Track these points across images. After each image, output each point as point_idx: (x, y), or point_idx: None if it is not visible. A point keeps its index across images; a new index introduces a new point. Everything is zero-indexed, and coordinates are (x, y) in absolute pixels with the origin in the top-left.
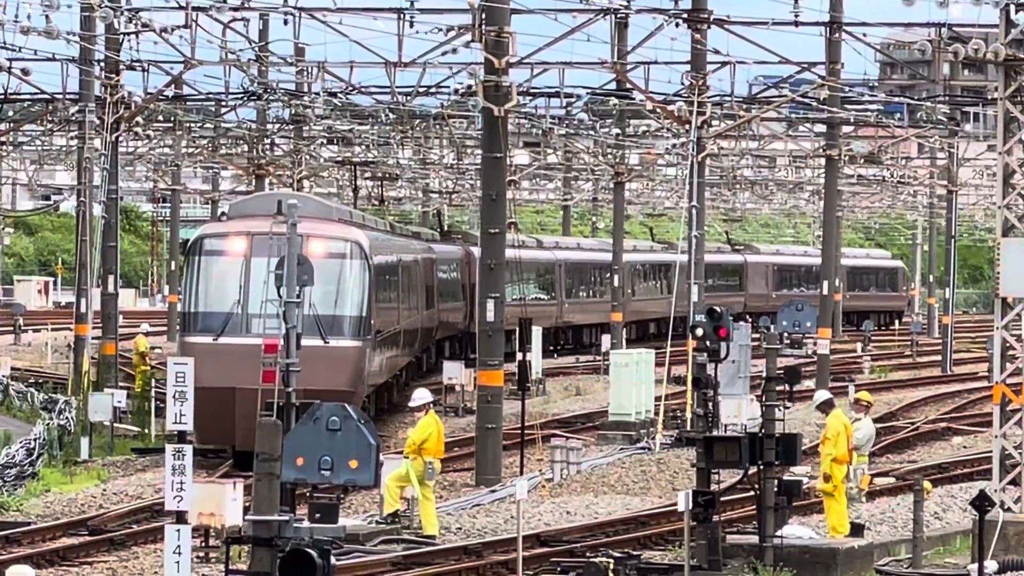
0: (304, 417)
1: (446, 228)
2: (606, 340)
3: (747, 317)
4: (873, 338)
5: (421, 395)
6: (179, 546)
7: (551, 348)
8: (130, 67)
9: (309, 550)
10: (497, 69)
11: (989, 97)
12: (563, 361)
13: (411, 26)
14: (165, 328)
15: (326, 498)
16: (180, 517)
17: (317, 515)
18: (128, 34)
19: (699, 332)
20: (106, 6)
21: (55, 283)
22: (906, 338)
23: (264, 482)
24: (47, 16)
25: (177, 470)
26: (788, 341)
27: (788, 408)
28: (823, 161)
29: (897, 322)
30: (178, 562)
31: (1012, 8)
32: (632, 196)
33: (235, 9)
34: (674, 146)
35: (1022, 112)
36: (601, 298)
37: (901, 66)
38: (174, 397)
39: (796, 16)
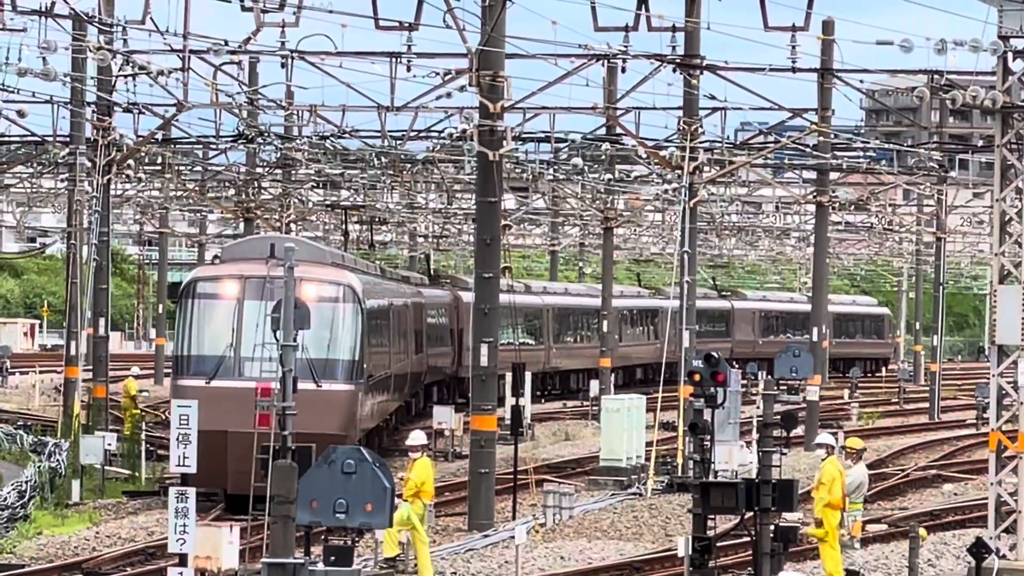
0: (319, 460)
1: (434, 272)
2: (594, 385)
3: (734, 363)
4: (859, 385)
5: (419, 436)
6: None
7: (538, 393)
8: (127, 110)
9: None
10: (492, 114)
11: (978, 144)
12: (550, 406)
13: (408, 70)
14: (152, 371)
15: (341, 541)
16: (183, 560)
17: (332, 558)
18: (124, 76)
19: (697, 377)
20: (103, 49)
21: (41, 326)
22: (892, 385)
23: (280, 525)
24: (44, 58)
25: (180, 512)
26: (784, 387)
27: (785, 454)
28: (810, 207)
29: (883, 369)
30: None
31: (1010, 56)
32: (619, 241)
33: (232, 52)
34: (666, 191)
35: (1019, 159)
36: (588, 343)
37: (888, 113)
38: (177, 439)
39: (794, 63)
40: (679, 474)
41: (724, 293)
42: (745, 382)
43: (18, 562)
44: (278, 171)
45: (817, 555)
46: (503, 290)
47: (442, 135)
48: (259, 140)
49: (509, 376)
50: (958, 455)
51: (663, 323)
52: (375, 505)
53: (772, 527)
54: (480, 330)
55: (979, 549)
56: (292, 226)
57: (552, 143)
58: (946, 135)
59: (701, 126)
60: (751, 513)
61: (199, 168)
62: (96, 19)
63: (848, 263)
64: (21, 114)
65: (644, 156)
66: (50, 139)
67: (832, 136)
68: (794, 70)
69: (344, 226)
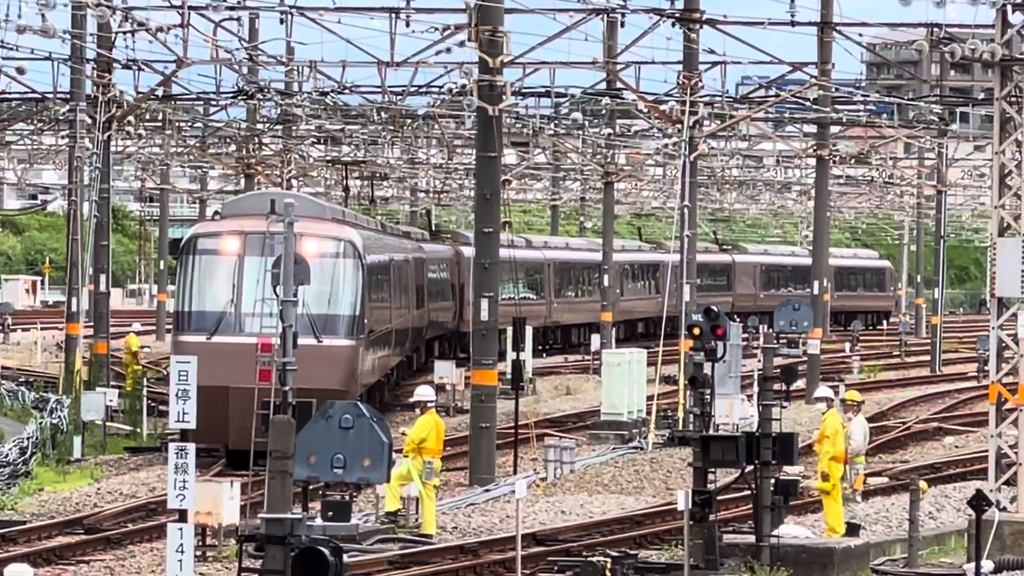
0: (317, 415)
1: (435, 228)
2: (595, 340)
3: (735, 317)
4: (861, 338)
5: (421, 392)
6: (181, 545)
7: (540, 348)
8: (126, 66)
9: (322, 548)
10: (491, 69)
11: (978, 97)
12: (552, 360)
13: (407, 25)
14: (154, 327)
15: (339, 496)
16: (183, 516)
17: (330, 513)
18: (123, 32)
19: (696, 331)
20: (102, 5)
21: (42, 282)
22: (894, 338)
23: (277, 480)
24: (43, 15)
25: (180, 468)
26: (784, 340)
27: (785, 407)
28: (811, 161)
29: (885, 322)
30: (181, 561)
31: (1009, 8)
32: (620, 196)
33: (231, 8)
34: (665, 146)
35: (1018, 112)
36: (589, 298)
37: (889, 66)
38: (176, 395)
39: (792, 16)
40: (680, 428)
41: (725, 247)
42: (746, 336)
43: (20, 518)
44: (278, 127)
45: (817, 508)
46: (504, 245)
47: (442, 90)
48: (259, 96)
49: (510, 330)
50: (959, 408)
51: (664, 277)
52: (373, 460)
53: (773, 480)
54: (481, 285)
55: (979, 502)
56: (293, 182)
57: (552, 98)
58: (946, 88)
59: (701, 80)
60: (751, 467)
61: (199, 124)
62: None
63: (849, 216)
64: (21, 71)
65: (644, 111)
66: (50, 96)
67: (832, 90)
68: (793, 24)
69: (345, 182)
